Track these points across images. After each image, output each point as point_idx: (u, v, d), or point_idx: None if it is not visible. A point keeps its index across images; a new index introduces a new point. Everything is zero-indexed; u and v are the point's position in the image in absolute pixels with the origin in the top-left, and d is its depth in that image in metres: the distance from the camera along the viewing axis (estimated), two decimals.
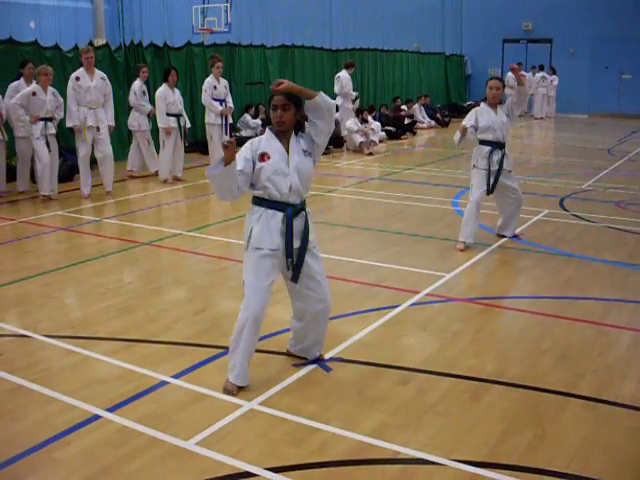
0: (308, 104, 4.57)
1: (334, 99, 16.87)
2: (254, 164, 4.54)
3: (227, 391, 4.62)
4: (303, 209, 4.68)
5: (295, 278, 4.69)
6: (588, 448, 3.99)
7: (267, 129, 4.66)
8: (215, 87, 13.09)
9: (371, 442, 4.03)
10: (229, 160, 4.37)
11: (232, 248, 8.22)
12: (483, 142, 8.01)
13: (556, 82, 25.35)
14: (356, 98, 17.47)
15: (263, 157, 4.54)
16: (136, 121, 12.87)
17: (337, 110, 16.51)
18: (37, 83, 10.69)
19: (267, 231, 4.57)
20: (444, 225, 9.23)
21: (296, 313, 4.94)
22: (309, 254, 4.70)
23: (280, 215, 4.57)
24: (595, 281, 7.04)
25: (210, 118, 13.18)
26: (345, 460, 3.85)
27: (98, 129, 11.14)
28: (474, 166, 8.09)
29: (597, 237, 8.62)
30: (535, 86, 24.85)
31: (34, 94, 10.53)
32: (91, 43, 14.30)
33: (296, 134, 4.66)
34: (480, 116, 8.01)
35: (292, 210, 4.57)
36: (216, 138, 13.18)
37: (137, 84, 12.93)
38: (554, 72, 25.32)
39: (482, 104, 8.15)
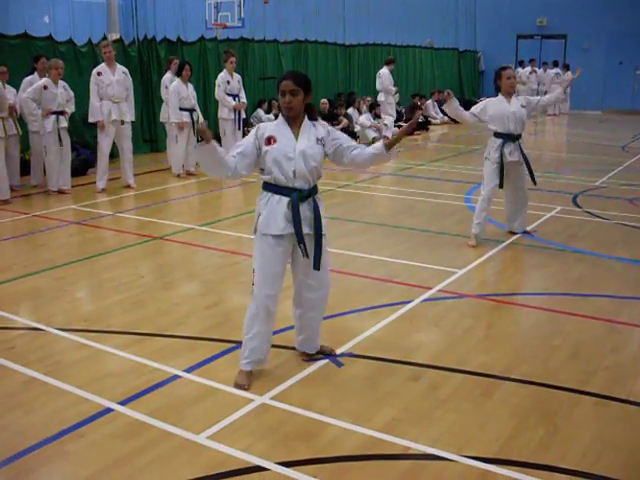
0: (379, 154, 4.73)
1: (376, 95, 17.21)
2: (260, 148, 4.54)
3: (237, 385, 4.64)
4: (311, 196, 4.64)
5: (316, 265, 4.66)
6: (600, 445, 3.98)
7: (280, 115, 4.66)
8: (228, 82, 13.09)
9: (382, 437, 4.03)
10: (208, 139, 4.36)
11: (244, 243, 8.23)
12: (497, 134, 7.93)
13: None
14: (396, 92, 17.81)
15: (269, 140, 4.53)
16: (167, 113, 12.91)
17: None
18: (48, 77, 10.73)
19: (272, 216, 4.55)
20: (456, 221, 9.21)
21: (295, 299, 4.95)
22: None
23: (285, 200, 4.55)
24: (608, 278, 7.01)
25: (223, 113, 13.19)
26: (356, 455, 3.86)
27: (122, 122, 11.20)
28: (486, 158, 8.04)
29: (610, 234, 8.58)
30: (549, 82, 24.71)
31: (45, 88, 10.58)
32: (105, 38, 14.33)
33: (310, 119, 4.67)
34: (491, 106, 7.92)
35: (298, 195, 4.55)
36: (229, 133, 13.19)
37: (168, 77, 13.01)
38: (567, 69, 25.17)
39: (499, 95, 7.99)
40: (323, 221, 4.66)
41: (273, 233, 4.56)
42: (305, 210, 4.60)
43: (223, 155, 4.47)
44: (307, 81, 4.63)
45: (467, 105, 25.56)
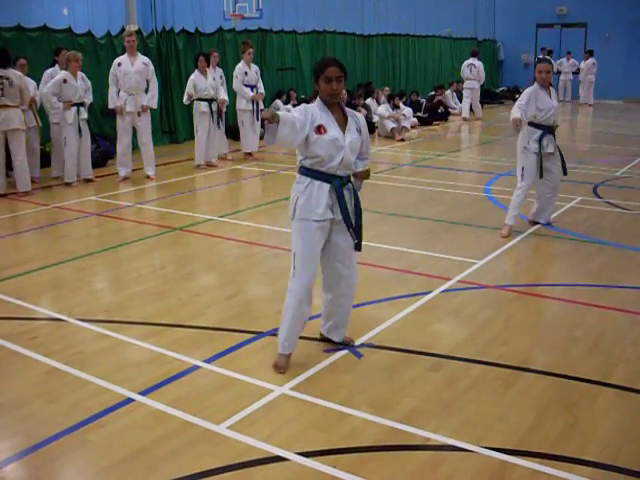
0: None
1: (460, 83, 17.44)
2: (309, 132, 4.50)
3: (277, 367, 4.75)
4: (350, 182, 4.71)
5: (359, 247, 4.76)
6: (620, 437, 3.96)
7: (318, 100, 4.63)
8: (246, 73, 13.12)
9: (401, 428, 4.04)
10: (272, 116, 4.28)
11: (263, 234, 8.25)
12: (536, 125, 7.86)
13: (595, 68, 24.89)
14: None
15: (320, 129, 4.51)
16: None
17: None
18: (66, 69, 10.79)
19: (314, 201, 4.57)
20: (476, 212, 9.18)
21: (326, 285, 4.96)
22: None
23: (327, 186, 4.58)
24: (629, 269, 6.96)
25: (241, 104, 13.22)
26: (375, 446, 3.87)
27: (138, 114, 11.25)
28: (525, 148, 7.95)
29: (631, 225, 8.52)
30: (585, 72, 24.30)
31: (65, 81, 10.64)
32: (124, 29, 14.38)
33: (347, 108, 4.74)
34: (538, 100, 7.77)
35: (340, 182, 4.59)
36: (247, 124, 13.24)
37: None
38: (591, 54, 24.71)
39: (535, 86, 7.83)
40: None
41: (313, 218, 4.59)
42: (346, 196, 4.64)
43: (290, 119, 4.40)
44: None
45: (486, 95, 25.38)
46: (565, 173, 8.11)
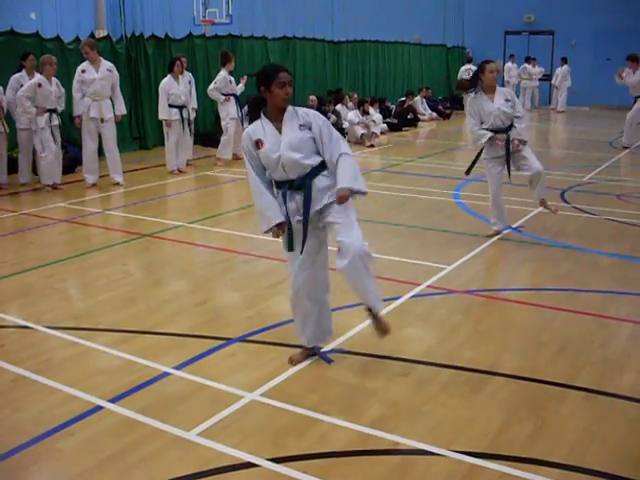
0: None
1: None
2: (256, 153, 4.63)
3: (290, 360, 4.94)
4: (304, 184, 4.61)
5: (301, 251, 4.73)
6: (587, 439, 4.01)
7: (262, 114, 4.67)
8: (231, 82, 13.42)
9: (371, 433, 4.05)
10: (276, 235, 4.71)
11: (233, 240, 8.24)
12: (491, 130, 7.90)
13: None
14: None
15: (258, 144, 4.60)
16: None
17: None
18: (41, 74, 10.71)
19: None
20: (445, 217, 9.24)
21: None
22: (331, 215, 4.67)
23: (280, 192, 4.70)
24: (595, 273, 7.05)
25: (227, 112, 13.43)
26: (346, 451, 3.88)
27: (102, 121, 11.18)
28: (484, 158, 8.06)
29: (598, 230, 8.62)
30: (561, 79, 24.66)
31: (40, 85, 10.59)
32: (92, 35, 14.29)
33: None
34: (482, 109, 7.87)
35: (288, 186, 4.65)
36: (232, 131, 13.38)
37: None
38: (565, 62, 25.03)
39: (477, 93, 7.89)
40: (323, 202, 4.63)
41: (276, 223, 4.66)
42: (297, 199, 4.64)
43: (269, 198, 4.67)
44: None
45: (455, 101, 25.63)
46: (509, 176, 8.14)
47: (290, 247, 4.72)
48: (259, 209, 4.69)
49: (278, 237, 4.74)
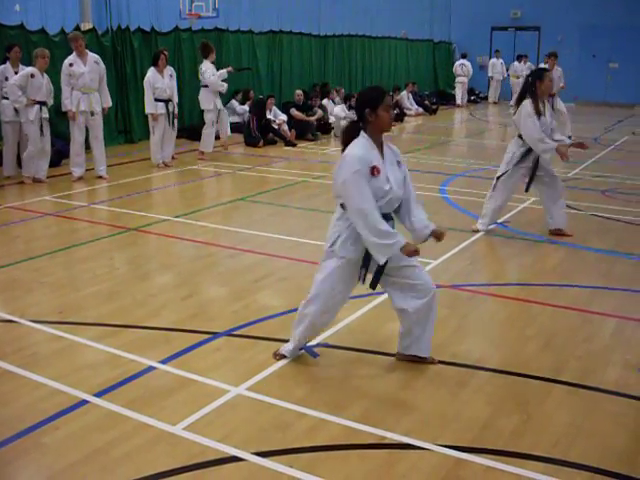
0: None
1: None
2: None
3: (274, 354, 4.92)
4: (391, 218, 4.64)
5: (374, 285, 4.68)
6: (572, 433, 4.03)
7: (363, 134, 4.46)
8: (213, 74, 13.45)
9: (357, 427, 4.06)
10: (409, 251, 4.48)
11: (219, 234, 8.23)
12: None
13: None
14: None
15: (373, 171, 4.38)
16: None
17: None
18: (34, 66, 10.71)
19: (353, 240, 4.51)
20: (431, 212, 9.13)
21: (399, 315, 4.83)
22: None
23: None
24: (581, 268, 7.09)
25: (209, 104, 13.41)
26: (332, 445, 3.89)
27: (92, 114, 11.14)
28: (515, 164, 7.88)
29: (583, 225, 8.66)
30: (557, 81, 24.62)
31: (32, 76, 10.60)
32: (78, 27, 14.19)
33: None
34: (541, 119, 7.68)
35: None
36: (211, 123, 13.46)
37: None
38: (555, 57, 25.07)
39: (531, 101, 7.66)
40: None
41: (351, 257, 4.55)
42: None
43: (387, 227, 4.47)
44: None
45: (442, 96, 25.80)
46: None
47: (375, 286, 4.68)
48: (383, 232, 4.39)
49: (417, 252, 4.51)
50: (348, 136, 4.51)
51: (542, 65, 17.21)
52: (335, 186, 4.49)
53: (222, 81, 13.46)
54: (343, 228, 4.57)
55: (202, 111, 13.84)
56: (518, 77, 25.03)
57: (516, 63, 24.68)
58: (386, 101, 4.40)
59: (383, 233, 4.37)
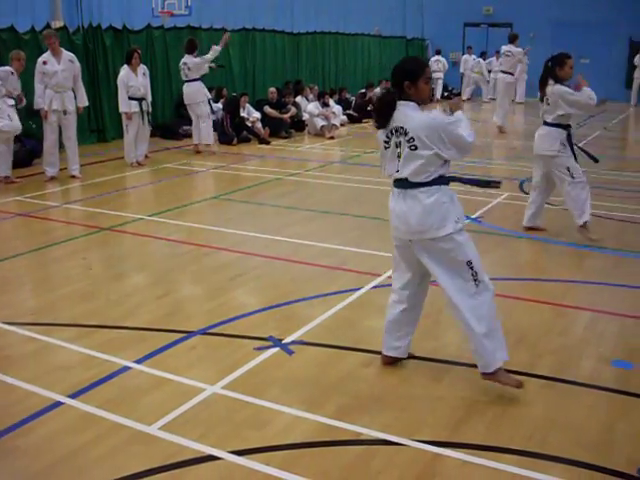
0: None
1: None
2: None
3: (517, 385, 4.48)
4: None
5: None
6: (547, 426, 4.06)
7: (416, 104, 4.33)
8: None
9: (333, 424, 4.06)
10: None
11: (193, 232, 8.20)
12: (564, 126, 7.70)
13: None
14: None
15: None
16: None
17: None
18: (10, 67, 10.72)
19: (459, 207, 4.40)
20: None
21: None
22: None
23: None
24: (554, 263, 7.14)
25: (201, 96, 13.85)
26: (308, 442, 3.89)
27: (65, 113, 11.05)
28: (559, 151, 7.65)
29: (556, 220, 8.71)
30: (520, 71, 24.72)
31: (12, 73, 10.60)
32: (48, 25, 14.06)
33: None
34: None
35: None
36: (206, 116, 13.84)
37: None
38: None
39: (560, 85, 7.58)
40: None
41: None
42: None
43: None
44: None
45: None
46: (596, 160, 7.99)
47: None
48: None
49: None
50: (387, 107, 4.36)
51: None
52: (440, 145, 4.24)
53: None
54: (455, 201, 4.37)
55: (184, 107, 14.13)
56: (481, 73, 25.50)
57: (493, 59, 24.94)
58: (426, 73, 4.33)
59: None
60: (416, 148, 4.23)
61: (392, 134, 4.34)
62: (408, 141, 4.25)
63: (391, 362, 4.80)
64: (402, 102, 4.32)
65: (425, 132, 4.21)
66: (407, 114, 4.28)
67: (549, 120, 7.68)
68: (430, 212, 4.28)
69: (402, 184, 4.37)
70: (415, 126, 4.23)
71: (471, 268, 4.36)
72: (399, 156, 4.32)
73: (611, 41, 26.12)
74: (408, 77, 4.29)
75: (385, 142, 4.41)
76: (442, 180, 4.33)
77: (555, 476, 3.59)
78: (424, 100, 4.37)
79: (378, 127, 4.45)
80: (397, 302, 4.72)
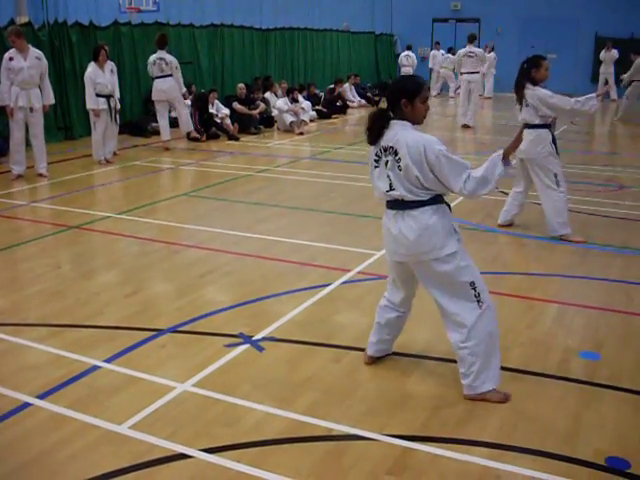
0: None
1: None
2: None
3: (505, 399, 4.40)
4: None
5: None
6: (516, 418, 4.10)
7: (402, 122, 4.25)
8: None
9: (304, 420, 4.07)
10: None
11: (163, 230, 8.16)
12: (547, 126, 7.69)
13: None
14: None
15: None
16: None
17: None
18: None
19: (452, 226, 4.35)
20: (374, 204, 9.18)
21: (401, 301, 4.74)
22: None
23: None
24: (522, 256, 7.22)
25: (182, 88, 14.23)
26: (279, 438, 3.89)
27: (31, 110, 10.93)
28: (550, 153, 7.64)
29: (524, 214, 8.76)
30: (488, 66, 24.92)
31: None
32: (13, 21, 13.89)
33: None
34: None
35: None
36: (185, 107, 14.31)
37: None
38: (492, 50, 25.42)
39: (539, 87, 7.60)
40: None
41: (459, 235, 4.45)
42: None
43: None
44: None
45: (384, 88, 25.93)
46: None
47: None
48: (489, 167, 4.37)
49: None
50: (378, 124, 4.33)
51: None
52: (422, 171, 4.15)
53: None
54: (440, 220, 4.27)
55: (152, 104, 14.27)
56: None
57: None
58: (424, 93, 4.25)
59: (489, 168, 4.36)
60: (404, 168, 4.17)
61: (382, 152, 4.29)
62: (397, 161, 4.19)
63: (374, 362, 4.82)
64: (396, 121, 4.27)
65: (412, 152, 4.12)
66: (398, 133, 4.21)
67: (536, 122, 7.64)
68: (433, 233, 4.22)
69: (398, 205, 4.29)
70: (404, 145, 4.15)
71: (474, 289, 4.32)
72: (389, 177, 4.25)
73: (578, 37, 26.43)
74: (405, 95, 4.21)
75: (375, 161, 4.35)
76: (440, 198, 4.29)
77: (524, 467, 3.63)
78: (419, 120, 4.30)
79: (369, 143, 4.42)
80: (392, 308, 4.74)
